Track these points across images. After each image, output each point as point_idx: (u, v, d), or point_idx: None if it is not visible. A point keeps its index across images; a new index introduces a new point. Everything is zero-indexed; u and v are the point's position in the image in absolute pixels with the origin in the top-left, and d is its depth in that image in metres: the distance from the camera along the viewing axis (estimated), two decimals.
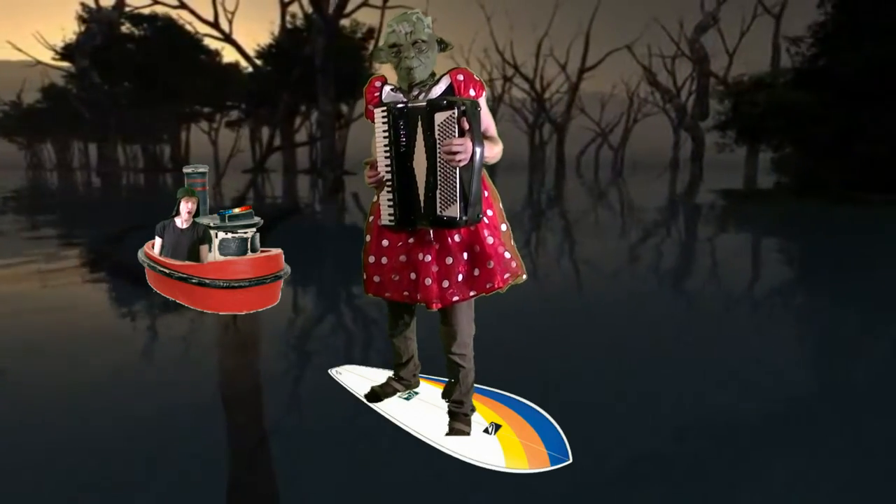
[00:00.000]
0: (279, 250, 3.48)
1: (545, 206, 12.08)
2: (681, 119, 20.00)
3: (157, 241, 3.56)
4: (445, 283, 1.86)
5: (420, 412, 2.12)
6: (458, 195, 1.74)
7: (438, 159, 1.74)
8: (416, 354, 2.28)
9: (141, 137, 21.50)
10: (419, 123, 1.76)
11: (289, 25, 18.09)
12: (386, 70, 1.96)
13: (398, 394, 2.26)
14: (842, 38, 10.60)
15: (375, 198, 1.97)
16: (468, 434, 1.99)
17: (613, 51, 23.30)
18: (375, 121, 1.85)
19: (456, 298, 1.87)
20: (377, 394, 2.25)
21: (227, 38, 17.03)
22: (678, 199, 12.85)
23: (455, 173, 1.72)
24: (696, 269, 5.88)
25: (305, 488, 1.85)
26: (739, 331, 3.63)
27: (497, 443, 1.95)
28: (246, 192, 13.49)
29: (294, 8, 17.71)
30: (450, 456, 1.89)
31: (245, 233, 3.41)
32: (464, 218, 1.76)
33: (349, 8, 14.83)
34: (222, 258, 3.35)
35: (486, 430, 2.02)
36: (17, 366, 2.82)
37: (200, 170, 3.70)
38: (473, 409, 2.09)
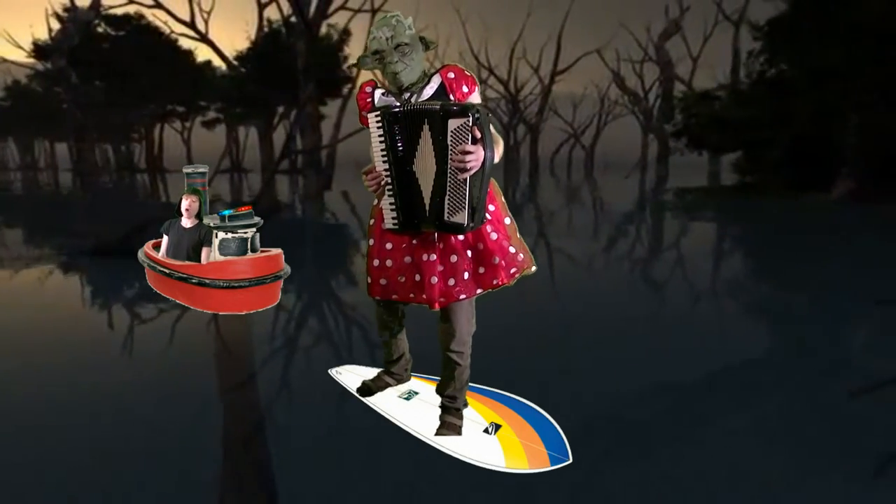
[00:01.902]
0: (279, 250, 3.48)
1: (526, 204, 12.17)
2: (647, 121, 20.55)
3: (165, 238, 3.56)
4: (451, 282, 1.87)
5: (420, 412, 2.13)
6: (466, 202, 1.74)
7: (449, 165, 1.73)
8: (407, 350, 2.29)
9: (113, 137, 21.19)
10: (425, 127, 1.74)
11: (265, 28, 18.02)
12: (368, 75, 1.96)
13: (399, 394, 2.27)
14: (779, 48, 11.86)
15: (377, 201, 1.97)
16: (460, 426, 2.01)
17: (584, 55, 23.88)
18: (370, 126, 1.83)
19: (463, 297, 1.88)
20: (369, 388, 2.27)
21: (204, 38, 16.86)
22: (646, 197, 13.79)
23: (465, 180, 1.72)
24: (668, 261, 6.32)
25: (305, 488, 1.85)
26: (730, 324, 3.67)
27: (497, 443, 1.96)
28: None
29: (272, 8, 17.62)
30: (450, 456, 1.89)
31: (245, 233, 3.41)
32: (470, 224, 1.77)
33: (329, 11, 14.70)
34: (222, 258, 3.34)
35: (486, 430, 2.03)
36: (15, 366, 2.82)
37: (200, 170, 3.69)
38: (466, 404, 2.11)
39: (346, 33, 17.82)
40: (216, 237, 3.38)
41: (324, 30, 15.92)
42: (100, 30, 18.55)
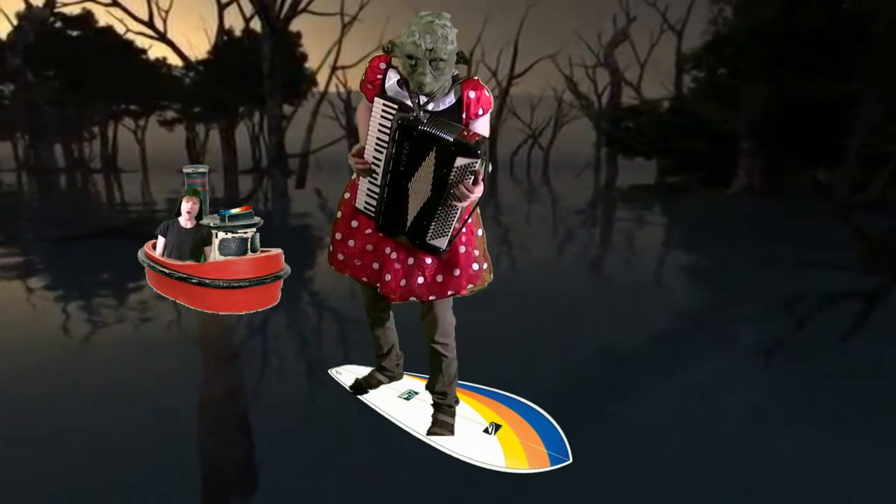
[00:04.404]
0: (279, 250, 3.48)
1: (488, 202, 12.29)
2: (598, 123, 21.44)
3: (160, 240, 3.55)
4: (403, 282, 1.87)
5: (419, 412, 2.12)
6: (450, 231, 1.77)
7: (446, 198, 1.72)
8: (396, 344, 2.29)
9: (63, 136, 20.71)
10: (433, 153, 1.70)
11: (226, 28, 17.98)
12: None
13: (398, 394, 2.27)
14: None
15: (354, 175, 1.92)
16: (452, 425, 2.01)
17: (539, 59, 24.58)
18: (374, 109, 1.78)
19: (413, 299, 1.89)
20: (362, 386, 2.27)
21: (162, 38, 16.79)
22: (600, 193, 15.30)
23: (455, 213, 1.74)
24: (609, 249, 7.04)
25: (304, 488, 1.85)
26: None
27: (497, 443, 1.95)
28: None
29: (233, 8, 17.50)
30: (450, 456, 1.89)
31: (245, 233, 3.41)
32: (446, 250, 1.81)
33: (292, 14, 14.52)
34: (222, 258, 3.35)
35: (486, 430, 2.02)
36: (10, 367, 2.82)
37: (201, 170, 3.70)
38: (458, 401, 2.10)
39: (298, 36, 17.89)
40: (216, 237, 3.38)
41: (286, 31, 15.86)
42: (56, 26, 18.34)
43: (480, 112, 1.80)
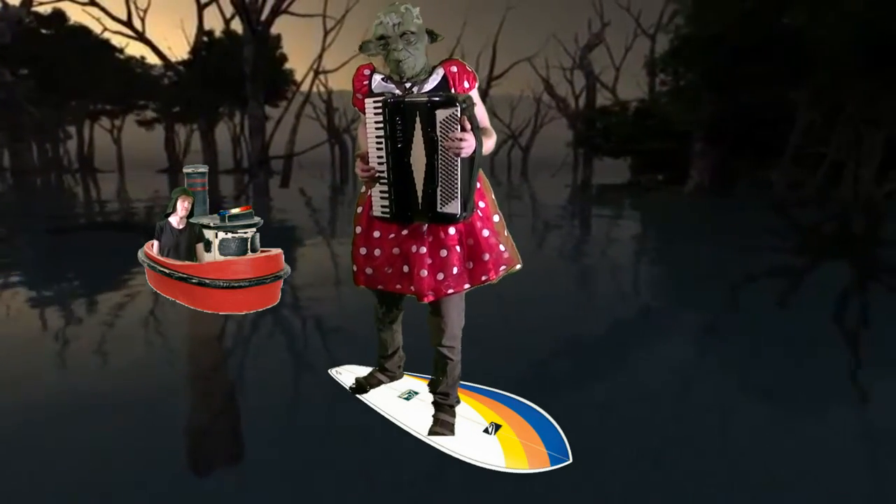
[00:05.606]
0: (279, 250, 3.49)
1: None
2: (574, 125, 21.82)
3: (156, 243, 3.55)
4: (440, 276, 1.88)
5: (420, 412, 2.13)
6: (458, 191, 1.75)
7: (440, 156, 1.73)
8: (401, 347, 2.31)
9: (39, 136, 20.49)
10: (417, 119, 1.73)
11: (206, 28, 17.92)
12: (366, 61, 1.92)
13: (399, 394, 2.27)
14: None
15: (363, 189, 1.96)
16: (453, 424, 2.02)
17: (518, 61, 25.19)
18: (367, 111, 1.82)
19: (451, 291, 1.90)
20: (362, 385, 2.29)
21: (141, 37, 16.73)
22: (578, 193, 16.00)
23: (456, 170, 1.72)
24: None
25: (305, 488, 1.85)
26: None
27: (497, 443, 1.96)
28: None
29: (213, 8, 17.37)
30: (450, 456, 1.90)
31: (245, 233, 3.41)
32: (463, 214, 1.78)
33: (266, 16, 14.44)
34: (222, 258, 3.35)
35: (486, 430, 2.02)
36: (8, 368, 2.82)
37: (200, 170, 3.71)
38: (458, 401, 2.12)
39: (278, 39, 17.90)
40: (216, 237, 3.39)
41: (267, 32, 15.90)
42: (32, 25, 18.22)
43: (467, 85, 1.84)
